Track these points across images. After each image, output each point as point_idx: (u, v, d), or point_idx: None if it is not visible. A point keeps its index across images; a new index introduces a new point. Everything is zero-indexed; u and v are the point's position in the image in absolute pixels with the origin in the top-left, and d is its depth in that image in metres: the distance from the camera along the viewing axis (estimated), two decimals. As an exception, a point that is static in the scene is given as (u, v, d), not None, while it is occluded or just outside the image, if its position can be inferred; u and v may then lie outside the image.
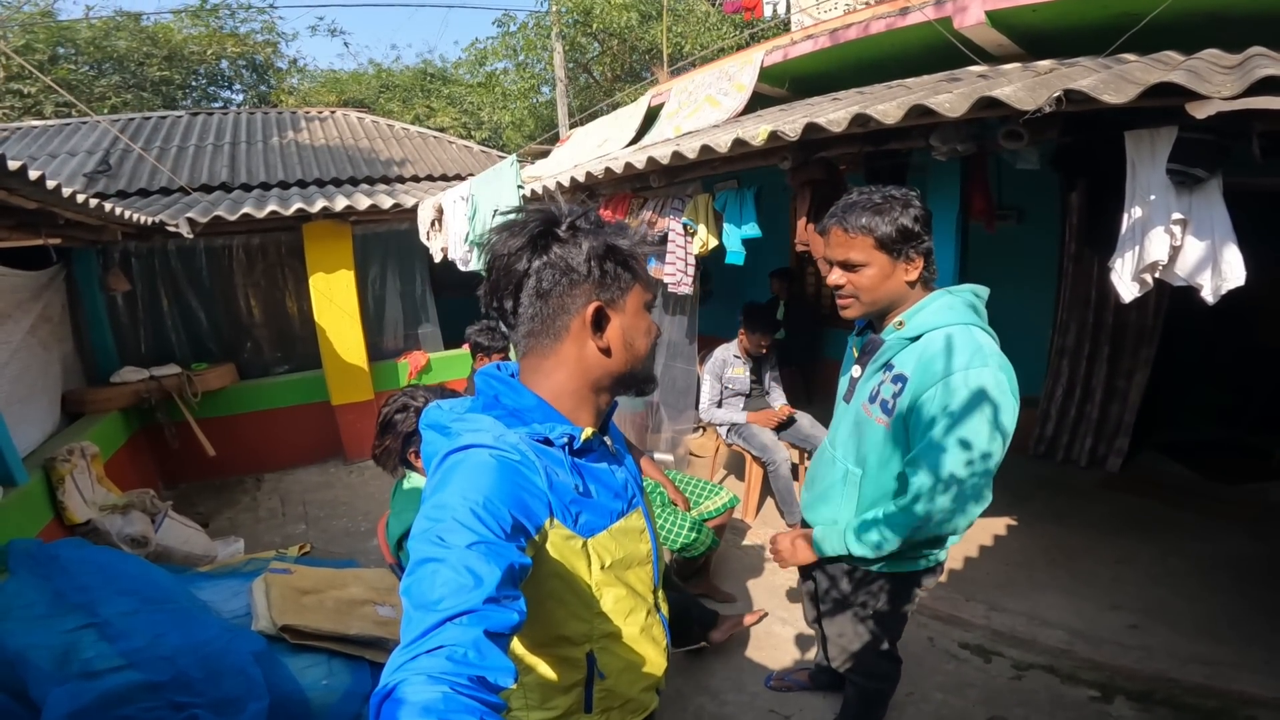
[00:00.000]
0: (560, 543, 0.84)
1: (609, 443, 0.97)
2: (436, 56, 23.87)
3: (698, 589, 2.91)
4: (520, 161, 4.46)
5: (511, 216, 0.87)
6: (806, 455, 3.53)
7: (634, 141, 4.70)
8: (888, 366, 1.45)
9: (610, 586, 0.91)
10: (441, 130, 11.28)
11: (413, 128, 7.81)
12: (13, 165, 2.05)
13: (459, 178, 6.29)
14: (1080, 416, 4.10)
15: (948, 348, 1.34)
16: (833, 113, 2.20)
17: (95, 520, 3.11)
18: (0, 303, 3.38)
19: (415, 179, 6.19)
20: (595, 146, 4.98)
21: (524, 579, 0.73)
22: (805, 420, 3.53)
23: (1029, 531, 3.32)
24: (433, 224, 4.51)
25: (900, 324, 1.43)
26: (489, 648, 0.61)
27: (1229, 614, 2.57)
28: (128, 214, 3.67)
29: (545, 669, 0.91)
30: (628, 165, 3.07)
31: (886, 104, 2.00)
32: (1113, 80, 1.68)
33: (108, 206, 3.34)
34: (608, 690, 0.95)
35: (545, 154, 6.26)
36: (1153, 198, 1.66)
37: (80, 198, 2.86)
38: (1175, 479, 3.84)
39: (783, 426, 3.52)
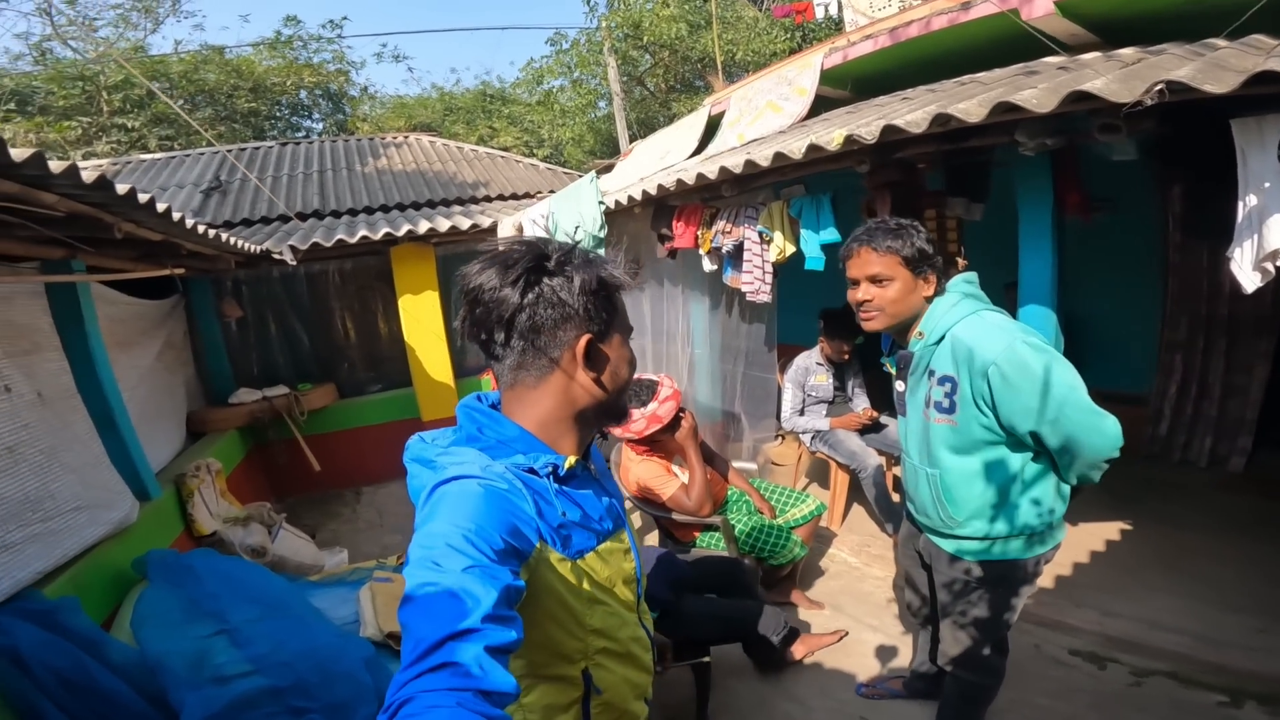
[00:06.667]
0: (551, 565, 0.86)
1: (592, 469, 1.00)
2: (494, 77, 24.66)
3: (784, 597, 2.91)
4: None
5: (497, 251, 0.88)
6: (895, 461, 3.48)
7: (697, 151, 4.74)
8: (929, 373, 1.60)
9: (599, 604, 0.94)
10: (505, 149, 11.66)
11: (481, 149, 8.12)
12: (141, 199, 2.18)
13: (528, 196, 6.50)
14: (1197, 414, 3.84)
15: (971, 342, 1.50)
16: (908, 113, 2.18)
17: (220, 531, 3.31)
18: (130, 330, 3.66)
19: (488, 199, 6.42)
20: (658, 159, 5.05)
21: (518, 601, 0.74)
22: (893, 425, 3.47)
23: (1142, 535, 3.15)
24: (511, 243, 4.69)
25: (920, 334, 1.61)
26: (491, 664, 0.63)
27: (1369, 619, 2.38)
28: (240, 243, 3.92)
29: (546, 689, 0.93)
30: (699, 176, 3.11)
31: (967, 102, 1.98)
32: (1209, 69, 1.61)
33: (224, 237, 3.58)
34: (604, 704, 0.98)
35: (609, 169, 6.40)
36: (1267, 185, 1.58)
37: (200, 229, 3.03)
38: (1305, 478, 3.54)
39: (869, 431, 3.47)
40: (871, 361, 3.53)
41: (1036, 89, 1.85)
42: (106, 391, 2.76)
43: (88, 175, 1.74)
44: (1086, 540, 3.12)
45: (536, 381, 0.89)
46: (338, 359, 5.59)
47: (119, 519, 2.51)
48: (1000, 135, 2.11)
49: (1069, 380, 1.44)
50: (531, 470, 0.87)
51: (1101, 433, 1.45)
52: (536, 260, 0.86)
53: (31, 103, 11.13)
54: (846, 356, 3.50)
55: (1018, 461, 1.56)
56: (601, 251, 3.88)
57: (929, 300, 1.61)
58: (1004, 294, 3.07)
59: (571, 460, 0.90)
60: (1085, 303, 3.78)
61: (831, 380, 3.55)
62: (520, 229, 4.56)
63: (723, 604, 2.33)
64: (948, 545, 1.71)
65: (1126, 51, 2.46)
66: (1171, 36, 2.50)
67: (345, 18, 15.14)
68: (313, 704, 1.88)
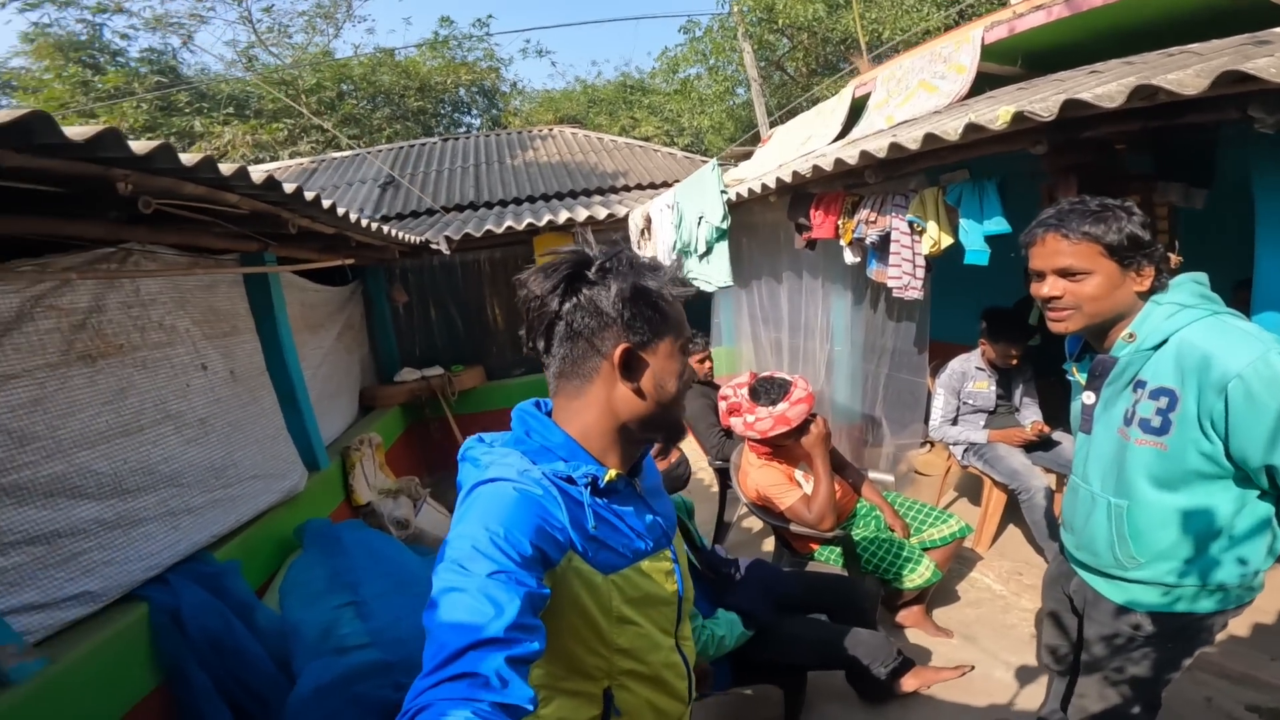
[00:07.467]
0: (578, 577, 0.85)
1: (638, 485, 0.97)
2: (633, 68, 25.04)
3: (906, 620, 2.65)
4: (722, 165, 4.45)
5: (550, 259, 0.89)
6: (1064, 482, 3.04)
7: (841, 136, 4.45)
8: (1138, 384, 1.32)
9: (630, 624, 0.91)
10: (646, 139, 11.78)
11: (620, 139, 8.26)
12: (308, 196, 2.42)
13: (665, 185, 6.51)
14: None
15: (1209, 348, 1.21)
16: (1098, 86, 1.88)
17: (374, 503, 3.59)
18: (318, 314, 4.11)
19: (627, 189, 6.54)
20: (799, 144, 4.81)
21: (542, 609, 0.74)
22: (1068, 441, 2.98)
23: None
24: (642, 233, 4.73)
25: (1131, 336, 1.32)
26: (510, 674, 0.63)
27: None
28: (401, 235, 4.26)
29: (563, 704, 0.91)
30: (838, 162, 2.90)
31: (1180, 73, 1.65)
32: None
33: (386, 229, 3.90)
34: None
35: (748, 155, 6.22)
36: None
37: (364, 222, 3.30)
38: None
39: (1035, 447, 3.04)
40: (1046, 367, 3.06)
41: (1276, 57, 1.50)
42: (290, 371, 3.12)
43: (258, 176, 1.95)
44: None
45: (577, 391, 0.89)
46: (487, 343, 5.96)
47: (289, 487, 2.78)
48: (1227, 110, 1.73)
49: None
50: (569, 479, 0.86)
51: None
52: (575, 268, 0.85)
53: (248, 107, 12.97)
54: (1015, 362, 3.07)
55: (1231, 507, 1.27)
56: (725, 243, 3.77)
57: (1144, 298, 1.32)
58: (1232, 294, 2.57)
59: (612, 474, 0.88)
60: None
61: (994, 388, 3.14)
62: (649, 218, 4.56)
63: (827, 628, 2.15)
64: (1115, 594, 1.43)
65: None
66: None
67: (491, 16, 16.09)
68: None
